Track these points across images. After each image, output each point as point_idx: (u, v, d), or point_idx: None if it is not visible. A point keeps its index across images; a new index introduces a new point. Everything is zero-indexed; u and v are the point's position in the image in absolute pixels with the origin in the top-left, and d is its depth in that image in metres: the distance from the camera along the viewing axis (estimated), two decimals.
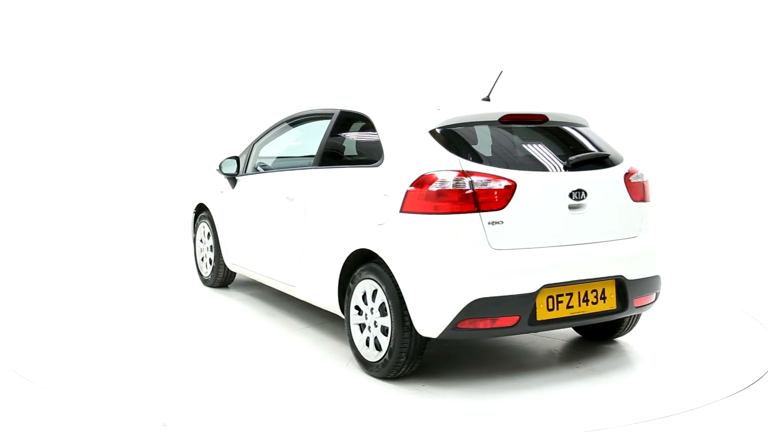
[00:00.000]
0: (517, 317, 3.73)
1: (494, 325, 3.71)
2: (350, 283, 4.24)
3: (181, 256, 7.87)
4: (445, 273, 3.68)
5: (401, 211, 3.84)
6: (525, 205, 3.82)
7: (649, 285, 4.24)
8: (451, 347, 4.68)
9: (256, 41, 11.85)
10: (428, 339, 3.90)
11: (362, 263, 4.17)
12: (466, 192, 3.70)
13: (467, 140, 4.06)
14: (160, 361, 4.41)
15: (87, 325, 5.27)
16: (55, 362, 4.38)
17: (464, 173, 3.73)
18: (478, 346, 4.74)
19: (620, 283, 4.07)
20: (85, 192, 10.63)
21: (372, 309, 4.06)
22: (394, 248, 3.88)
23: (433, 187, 3.72)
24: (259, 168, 5.71)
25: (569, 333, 4.95)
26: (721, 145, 9.66)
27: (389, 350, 3.94)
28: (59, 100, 10.75)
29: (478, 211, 3.71)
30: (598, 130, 4.65)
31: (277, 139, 5.82)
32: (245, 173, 5.79)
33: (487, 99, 4.71)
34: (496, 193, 3.75)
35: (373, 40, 11.62)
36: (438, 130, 3.98)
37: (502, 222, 3.75)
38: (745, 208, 9.25)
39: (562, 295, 3.87)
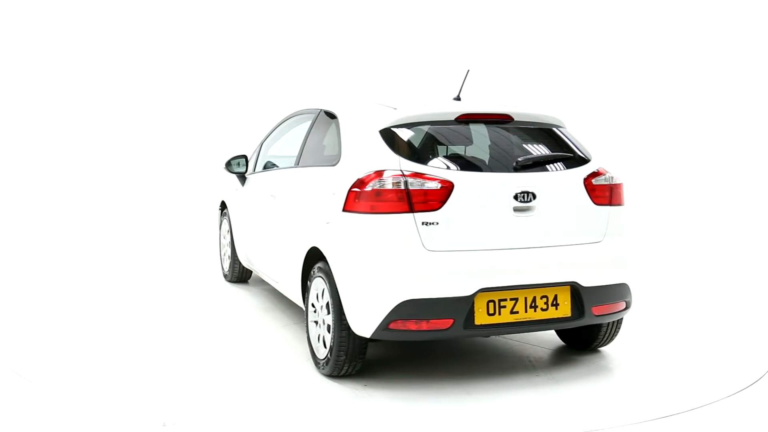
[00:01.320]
0: (452, 320, 3.64)
1: (427, 328, 3.64)
2: (308, 281, 4.30)
3: (210, 253, 8.12)
4: (376, 273, 3.66)
5: (343, 210, 3.83)
6: (463, 206, 3.72)
7: (611, 293, 4.03)
8: (416, 347, 4.69)
9: (272, 40, 11.87)
10: (368, 339, 3.85)
11: (317, 261, 4.20)
12: (400, 192, 3.66)
13: (414, 140, 4.02)
14: (160, 361, 4.41)
15: (87, 325, 5.27)
16: (55, 362, 4.38)
17: (401, 173, 3.70)
18: (453, 348, 4.74)
19: (575, 290, 3.89)
20: (117, 192, 10.70)
21: (321, 307, 4.09)
22: (335, 247, 3.92)
23: (370, 187, 3.70)
24: (266, 166, 5.79)
25: (554, 340, 4.91)
26: (720, 146, 9.66)
27: (330, 348, 3.96)
28: (83, 104, 10.83)
29: (412, 211, 3.66)
30: (578, 131, 4.52)
31: (279, 137, 5.90)
32: (254, 171, 5.89)
33: (458, 98, 4.59)
34: (431, 193, 3.68)
35: (385, 39, 11.62)
36: (388, 130, 3.95)
37: (437, 223, 3.67)
38: (746, 208, 9.24)
39: (505, 300, 3.74)
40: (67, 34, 10.77)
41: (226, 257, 6.74)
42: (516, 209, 3.82)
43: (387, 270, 3.63)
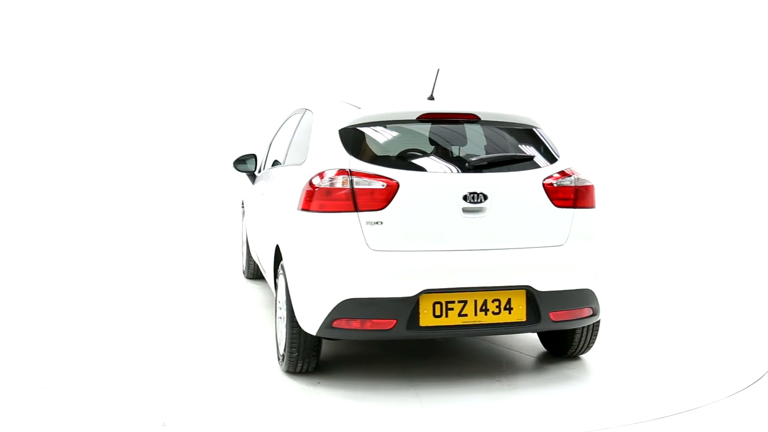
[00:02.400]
0: (394, 321, 3.62)
1: (370, 327, 3.64)
2: (276, 278, 4.36)
3: (235, 250, 8.25)
4: (319, 271, 3.69)
5: (298, 209, 3.85)
6: (408, 206, 3.69)
7: (571, 299, 3.89)
8: (383, 346, 4.70)
9: (288, 37, 11.86)
10: (318, 337, 3.86)
11: (281, 259, 4.25)
12: (345, 191, 3.67)
13: (371, 139, 4.02)
14: (160, 360, 4.41)
15: (88, 325, 5.27)
16: (55, 362, 4.38)
17: (348, 172, 3.71)
18: (419, 349, 4.72)
19: (531, 294, 3.78)
20: (146, 190, 10.73)
21: (283, 303, 4.12)
22: (288, 245, 3.98)
23: (319, 186, 3.73)
24: (273, 164, 5.82)
25: (538, 346, 4.87)
26: (720, 146, 9.66)
27: (285, 345, 4.02)
28: (109, 107, 10.87)
29: (357, 210, 3.66)
30: (561, 132, 4.47)
31: (281, 135, 5.91)
32: (263, 169, 5.96)
33: (431, 98, 4.50)
34: (376, 193, 3.67)
35: (401, 36, 11.60)
36: (347, 129, 3.97)
37: (381, 223, 3.65)
38: (746, 208, 9.24)
39: (452, 302, 3.68)
40: (89, 38, 10.79)
41: (243, 254, 6.99)
42: (466, 210, 3.74)
43: (330, 268, 3.66)
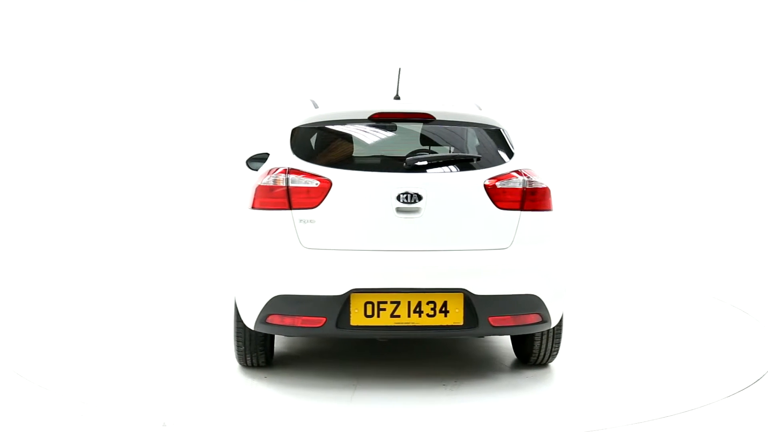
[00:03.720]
0: (324, 319, 3.63)
1: (301, 324, 3.67)
2: None
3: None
4: (254, 268, 3.77)
5: (249, 207, 3.93)
6: (340, 205, 3.70)
7: (513, 304, 3.75)
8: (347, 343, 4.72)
9: (290, 38, 11.85)
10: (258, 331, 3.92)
11: None
12: (281, 190, 3.74)
13: (317, 139, 4.08)
14: (160, 361, 4.42)
15: (88, 325, 5.27)
16: (55, 362, 4.38)
17: (286, 171, 3.78)
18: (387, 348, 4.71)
19: (467, 298, 3.68)
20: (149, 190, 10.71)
21: None
22: (237, 242, 4.03)
23: (261, 185, 3.82)
24: None
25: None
26: (720, 146, 9.66)
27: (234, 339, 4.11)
28: (119, 108, 10.85)
29: (291, 208, 3.72)
30: (522, 131, 4.34)
31: None
32: None
33: (397, 98, 4.49)
34: (309, 191, 3.72)
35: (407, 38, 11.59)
36: (299, 128, 4.02)
37: (314, 221, 3.69)
38: (746, 208, 9.25)
39: (385, 302, 3.64)
40: (97, 36, 10.79)
41: None
42: (400, 210, 3.69)
43: (263, 265, 3.74)
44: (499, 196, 3.81)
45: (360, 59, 11.71)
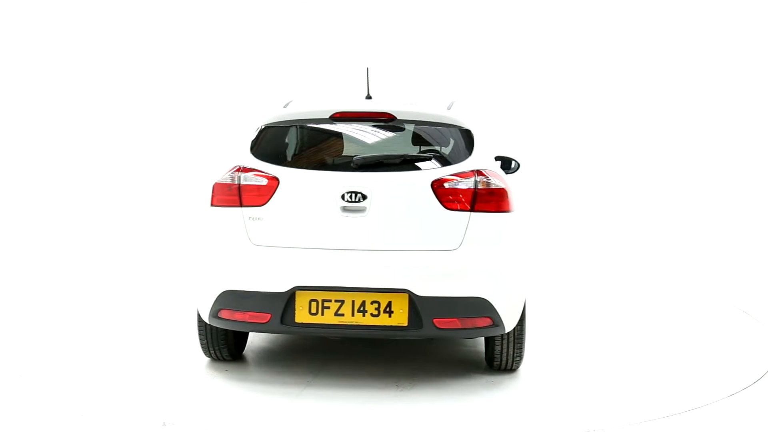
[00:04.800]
0: (269, 315, 3.70)
1: (249, 320, 3.77)
2: None
3: None
4: (207, 263, 3.89)
5: (208, 204, 4.01)
6: (287, 203, 3.76)
7: (460, 307, 3.67)
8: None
9: (291, 37, 11.83)
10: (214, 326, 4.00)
11: None
12: (234, 187, 3.83)
13: (276, 138, 4.12)
14: (160, 361, 4.42)
15: (87, 326, 5.27)
16: (55, 362, 4.38)
17: (240, 169, 3.88)
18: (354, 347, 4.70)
19: (412, 299, 3.64)
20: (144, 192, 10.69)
21: None
22: (196, 238, 4.11)
23: (217, 182, 3.92)
24: None
25: None
26: (720, 147, 9.66)
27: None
28: (120, 107, 10.83)
29: (241, 206, 3.80)
30: (484, 132, 4.19)
31: None
32: None
33: (369, 97, 4.47)
34: (258, 189, 3.79)
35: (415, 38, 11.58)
36: (265, 127, 4.10)
37: (261, 218, 3.76)
38: (747, 208, 9.25)
39: (329, 301, 3.66)
40: (93, 37, 10.78)
41: None
42: (345, 209, 3.70)
43: (215, 261, 3.85)
44: (447, 196, 3.73)
45: (360, 59, 11.70)
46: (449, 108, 4.18)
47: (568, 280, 7.10)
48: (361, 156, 3.88)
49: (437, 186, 3.74)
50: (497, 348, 4.03)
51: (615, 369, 4.34)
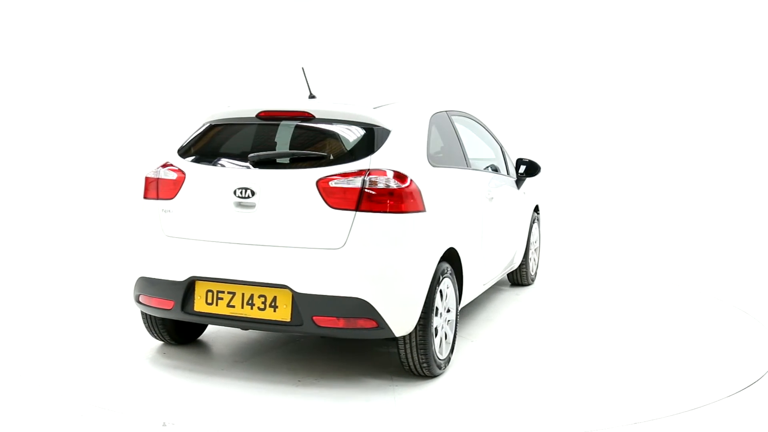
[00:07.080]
0: (172, 302, 3.99)
1: (156, 305, 4.09)
2: None
3: None
4: (132, 251, 4.22)
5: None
6: (191, 197, 4.02)
7: (339, 306, 3.64)
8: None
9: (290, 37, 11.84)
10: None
11: None
12: (154, 181, 4.16)
13: (207, 135, 4.31)
14: (160, 361, 4.42)
15: (87, 325, 5.27)
16: (55, 362, 4.39)
17: (164, 165, 4.19)
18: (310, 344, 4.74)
19: (293, 294, 3.70)
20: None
21: None
22: None
23: (146, 176, 4.23)
24: None
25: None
26: (720, 147, 9.66)
27: None
28: (86, 105, 10.80)
29: (158, 198, 4.11)
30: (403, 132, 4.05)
31: None
32: None
33: (312, 96, 4.42)
34: (170, 183, 4.08)
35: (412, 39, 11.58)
36: (208, 125, 4.35)
37: (171, 211, 4.06)
38: (747, 208, 9.25)
39: (223, 292, 3.88)
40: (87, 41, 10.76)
41: None
42: (238, 204, 3.87)
43: (136, 249, 4.20)
44: (332, 195, 3.71)
45: (358, 59, 11.72)
46: (377, 108, 4.09)
47: (569, 279, 7.10)
48: (256, 154, 3.97)
49: (322, 184, 3.74)
50: (401, 352, 3.96)
51: (615, 368, 4.34)
